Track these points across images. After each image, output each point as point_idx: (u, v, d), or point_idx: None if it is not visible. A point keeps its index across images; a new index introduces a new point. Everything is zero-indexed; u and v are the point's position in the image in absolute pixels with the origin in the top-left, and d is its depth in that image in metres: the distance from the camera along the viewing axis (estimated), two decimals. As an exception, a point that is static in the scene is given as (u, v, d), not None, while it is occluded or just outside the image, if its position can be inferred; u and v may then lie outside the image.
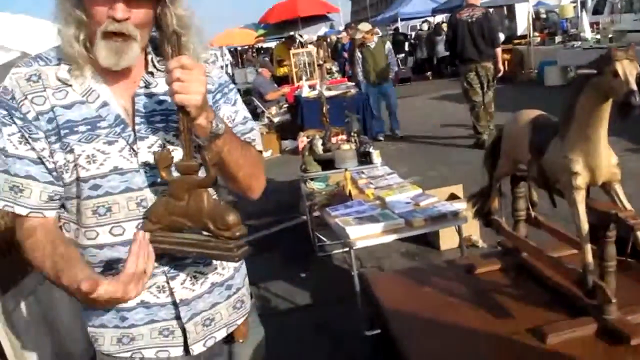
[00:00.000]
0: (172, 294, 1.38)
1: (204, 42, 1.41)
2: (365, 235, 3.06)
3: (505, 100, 8.68)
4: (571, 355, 1.42)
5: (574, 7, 16.54)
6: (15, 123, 1.29)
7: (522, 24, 17.09)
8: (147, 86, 1.36)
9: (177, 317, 1.40)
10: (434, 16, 21.24)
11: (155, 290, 1.37)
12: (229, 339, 1.54)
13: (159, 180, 1.32)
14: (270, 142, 9.30)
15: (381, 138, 9.07)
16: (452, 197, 4.41)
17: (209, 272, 1.43)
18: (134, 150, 1.32)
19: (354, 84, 9.46)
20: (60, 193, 1.33)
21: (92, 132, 1.30)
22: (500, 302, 1.72)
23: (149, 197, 1.33)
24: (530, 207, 1.94)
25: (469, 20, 7.34)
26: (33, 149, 1.29)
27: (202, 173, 1.28)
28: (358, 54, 9.25)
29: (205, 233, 1.28)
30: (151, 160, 1.32)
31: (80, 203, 1.32)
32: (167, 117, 1.36)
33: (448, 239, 4.31)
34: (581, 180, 1.46)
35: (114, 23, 1.23)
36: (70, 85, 1.31)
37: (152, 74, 1.37)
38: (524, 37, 15.31)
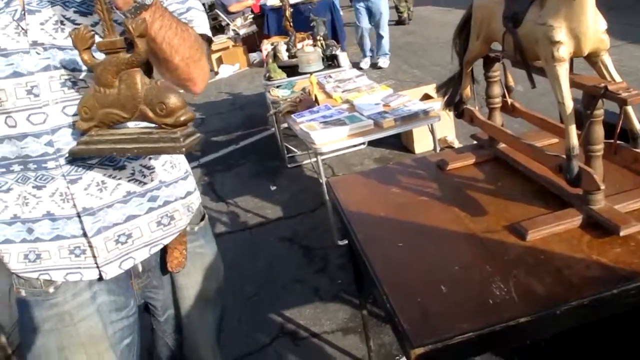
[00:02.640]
0: (75, 206, 1.16)
1: None
2: (331, 139, 2.87)
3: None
4: (554, 251, 1.25)
5: None
6: None
7: None
8: None
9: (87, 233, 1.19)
10: None
11: (58, 198, 1.16)
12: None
13: (54, 64, 1.10)
14: (237, 55, 8.95)
15: (363, 66, 7.28)
16: (426, 97, 4.21)
17: (122, 177, 1.21)
18: (21, 28, 1.08)
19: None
20: None
21: None
22: (475, 199, 1.54)
23: (42, 83, 1.10)
24: (507, 94, 1.73)
25: None
26: None
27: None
28: None
29: (147, 125, 1.06)
30: (44, 39, 1.09)
31: None
32: None
33: (423, 142, 4.14)
34: (564, 51, 1.24)
35: None
36: None
37: None
38: None
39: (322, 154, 2.89)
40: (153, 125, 1.05)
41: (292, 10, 4.94)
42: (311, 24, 5.07)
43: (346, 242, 2.55)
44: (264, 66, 4.98)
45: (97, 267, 1.21)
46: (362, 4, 7.05)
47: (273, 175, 4.42)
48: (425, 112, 3.00)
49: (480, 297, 1.13)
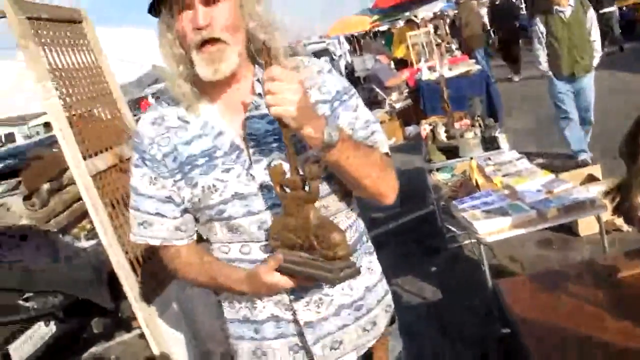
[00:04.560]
0: (294, 315, 1.39)
1: (287, 41, 1.41)
2: (494, 230, 2.93)
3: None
4: None
5: None
6: (146, 165, 1.40)
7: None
8: (256, 108, 1.38)
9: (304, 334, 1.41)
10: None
11: (282, 306, 1.39)
12: None
13: (277, 202, 1.33)
14: (393, 129, 9.22)
15: (587, 159, 5.42)
16: (590, 179, 4.11)
17: (335, 295, 1.42)
18: (251, 175, 1.34)
19: (478, 67, 8.76)
20: (187, 223, 1.44)
21: (210, 162, 1.35)
22: (650, 311, 1.55)
23: (269, 219, 1.35)
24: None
25: None
26: (163, 187, 1.39)
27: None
28: (539, 26, 5.50)
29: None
30: (269, 182, 1.34)
31: (213, 224, 1.40)
32: (280, 135, 1.34)
33: (588, 224, 4.01)
34: None
35: (200, 32, 1.27)
36: (189, 122, 1.38)
37: (260, 95, 1.38)
38: None
39: (485, 243, 2.96)
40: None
41: (449, 91, 5.08)
42: (468, 104, 5.19)
43: (508, 330, 2.56)
44: (420, 140, 5.14)
45: None
46: (568, 86, 5.53)
47: (433, 256, 4.50)
48: (592, 202, 2.96)
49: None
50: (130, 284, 2.94)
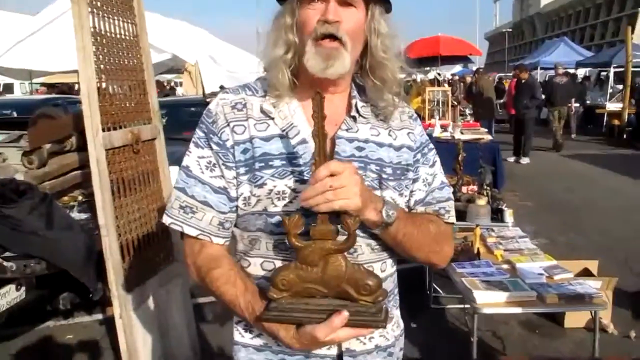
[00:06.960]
0: (340, 343, 1.28)
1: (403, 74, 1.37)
2: (492, 302, 2.89)
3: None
4: None
5: None
6: (210, 147, 1.29)
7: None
8: (347, 130, 1.32)
9: None
10: (576, 69, 20.15)
11: None
12: None
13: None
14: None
15: None
16: (585, 272, 4.08)
17: (375, 334, 1.35)
18: None
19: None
20: (231, 221, 1.33)
21: (287, 168, 1.26)
22: None
23: None
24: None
25: None
26: (222, 176, 1.29)
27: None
28: None
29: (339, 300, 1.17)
30: None
31: (262, 235, 1.29)
32: (365, 165, 1.30)
33: (574, 316, 3.97)
34: None
35: (325, 25, 1.23)
36: (273, 119, 1.29)
37: (354, 118, 1.33)
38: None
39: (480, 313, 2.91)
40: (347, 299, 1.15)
41: (464, 155, 5.07)
42: (478, 170, 5.19)
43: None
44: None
45: None
46: None
47: (414, 311, 4.42)
48: (591, 297, 2.93)
49: None
50: (115, 270, 2.85)
